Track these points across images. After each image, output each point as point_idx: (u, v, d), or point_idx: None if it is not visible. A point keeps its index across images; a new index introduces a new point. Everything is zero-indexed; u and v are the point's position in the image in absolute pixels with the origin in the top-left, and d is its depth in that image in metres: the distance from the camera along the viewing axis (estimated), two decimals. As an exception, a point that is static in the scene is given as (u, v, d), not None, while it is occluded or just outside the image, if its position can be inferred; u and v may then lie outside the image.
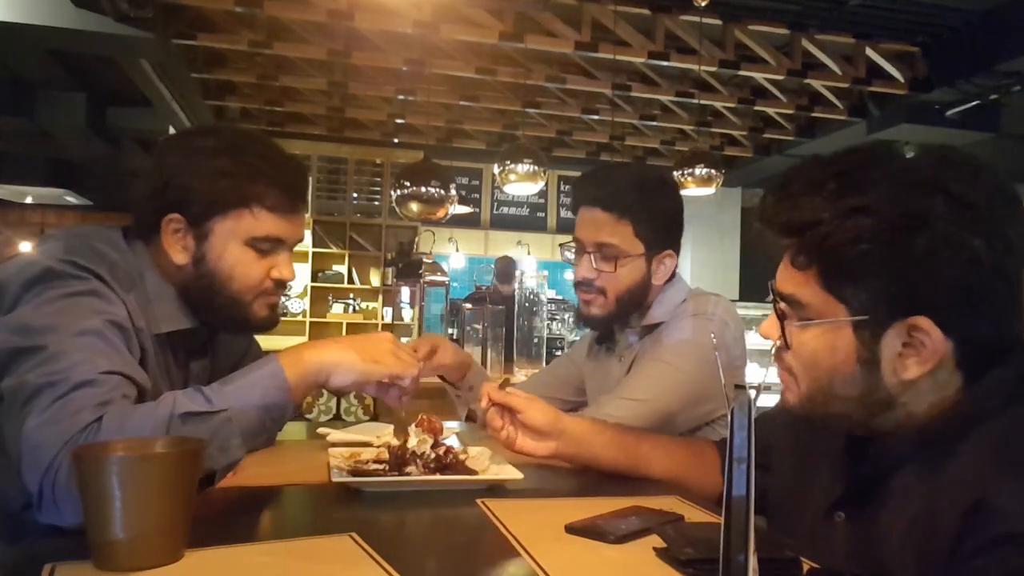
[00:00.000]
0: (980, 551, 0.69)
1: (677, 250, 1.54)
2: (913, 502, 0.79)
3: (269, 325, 1.20)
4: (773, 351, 0.90)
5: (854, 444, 0.90)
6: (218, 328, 1.21)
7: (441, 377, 1.60)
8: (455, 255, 7.72)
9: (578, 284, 1.54)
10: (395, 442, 1.18)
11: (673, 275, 1.56)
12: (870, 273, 0.77)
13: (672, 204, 1.54)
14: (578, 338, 1.74)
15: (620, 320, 1.55)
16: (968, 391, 0.80)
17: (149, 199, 1.13)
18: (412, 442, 1.16)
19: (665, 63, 4.84)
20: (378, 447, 1.23)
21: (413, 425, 1.18)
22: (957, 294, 0.76)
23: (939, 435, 0.80)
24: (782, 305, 0.86)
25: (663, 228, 1.51)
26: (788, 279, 0.84)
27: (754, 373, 4.19)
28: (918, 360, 0.78)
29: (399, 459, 1.15)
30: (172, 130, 6.48)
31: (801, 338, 0.84)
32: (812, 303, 0.82)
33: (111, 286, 1.02)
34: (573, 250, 1.55)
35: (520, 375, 4.31)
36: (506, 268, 5.81)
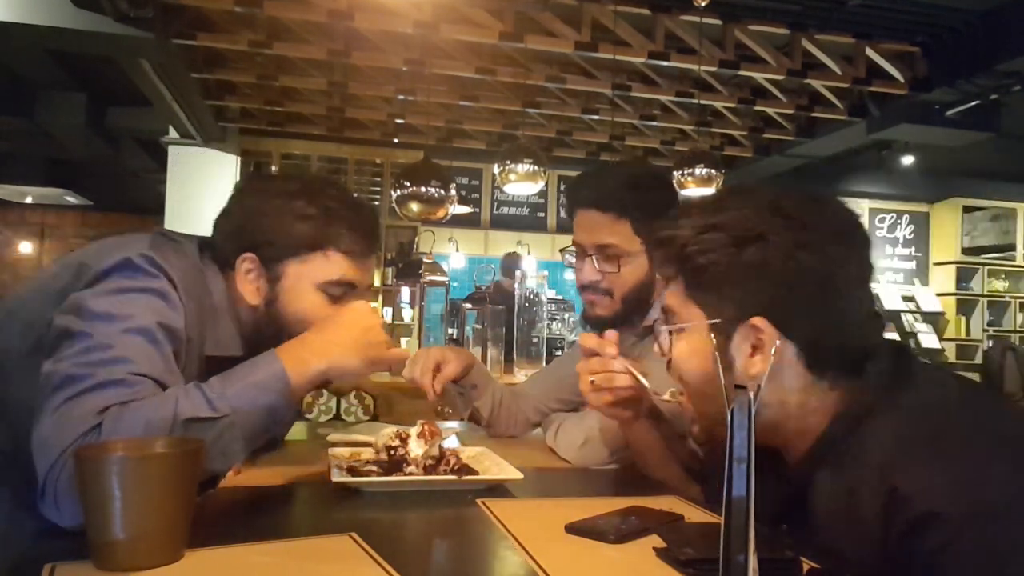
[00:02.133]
0: (903, 536, 0.76)
1: None
2: (837, 506, 0.86)
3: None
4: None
5: (775, 459, 0.95)
6: None
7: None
8: (455, 255, 7.72)
9: (583, 287, 1.53)
10: (392, 443, 1.18)
11: None
12: (718, 280, 0.90)
13: (668, 197, 1.54)
14: (578, 338, 1.73)
15: (625, 320, 1.54)
16: (842, 398, 0.89)
17: (227, 237, 1.14)
18: (414, 450, 1.16)
19: (665, 63, 4.84)
20: (377, 450, 1.23)
21: (415, 435, 1.18)
22: (789, 301, 0.87)
23: (832, 442, 0.88)
24: (661, 318, 0.99)
25: (654, 219, 1.51)
26: (666, 294, 0.98)
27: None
28: (761, 357, 0.88)
29: (396, 463, 1.15)
30: (172, 130, 6.48)
31: (677, 347, 0.96)
32: (680, 312, 0.95)
33: (178, 290, 1.02)
34: (573, 254, 1.54)
35: (520, 375, 4.31)
36: (511, 264, 5.82)
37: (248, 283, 1.13)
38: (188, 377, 1.08)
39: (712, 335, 0.90)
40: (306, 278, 1.12)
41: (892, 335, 7.05)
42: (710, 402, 0.92)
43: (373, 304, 7.59)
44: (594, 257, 1.49)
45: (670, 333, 0.97)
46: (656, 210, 1.49)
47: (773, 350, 0.86)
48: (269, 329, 1.13)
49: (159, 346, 0.97)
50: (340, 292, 1.14)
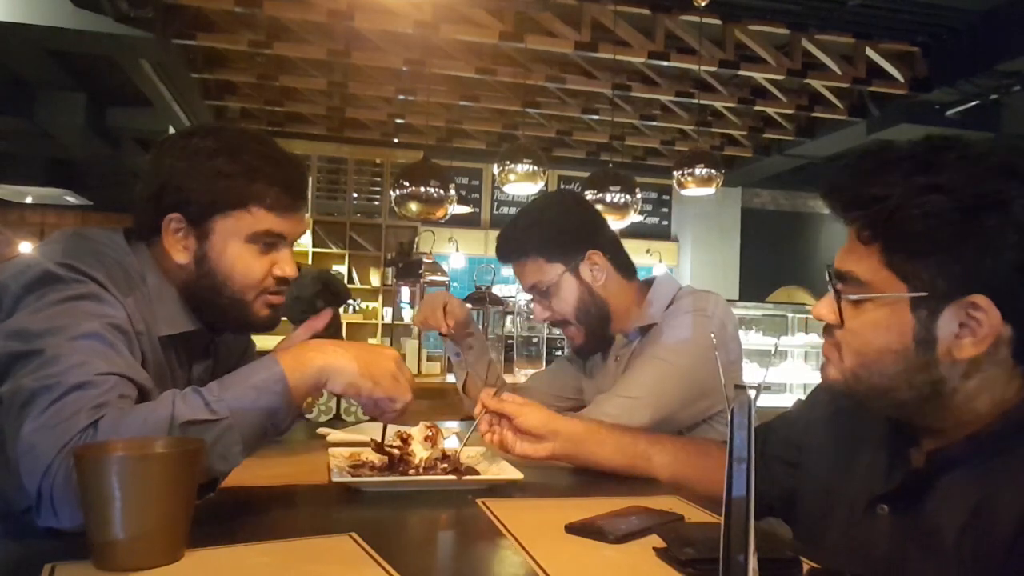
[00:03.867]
0: None
1: (602, 246, 1.55)
2: (969, 500, 0.79)
3: (270, 325, 1.19)
4: (823, 328, 0.90)
5: (903, 437, 0.90)
6: (220, 329, 1.21)
7: (442, 334, 1.70)
8: (455, 255, 7.71)
9: (553, 326, 1.65)
10: (393, 443, 1.18)
11: (630, 269, 1.61)
12: (935, 250, 0.78)
13: (562, 214, 1.59)
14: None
15: (602, 339, 1.60)
16: None
17: (148, 200, 1.13)
18: (419, 453, 1.16)
19: (665, 63, 4.84)
20: (376, 449, 1.23)
21: (420, 438, 1.18)
22: (1019, 278, 0.76)
23: (1000, 436, 0.80)
24: (839, 285, 0.86)
25: (567, 240, 1.55)
26: (848, 256, 0.85)
27: (754, 373, 4.19)
28: (973, 340, 0.78)
29: (398, 461, 1.15)
30: (172, 130, 6.48)
31: (856, 314, 0.84)
32: (872, 280, 0.82)
33: (109, 290, 1.01)
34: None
35: (520, 375, 4.31)
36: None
37: (176, 242, 1.11)
38: (155, 365, 1.08)
39: (914, 312, 0.80)
40: (233, 233, 1.11)
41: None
42: (888, 376, 0.83)
43: (370, 304, 7.58)
44: (536, 298, 1.59)
45: (852, 301, 0.84)
46: (556, 231, 1.56)
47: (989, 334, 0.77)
48: (201, 285, 1.12)
49: (112, 345, 0.96)
50: (270, 242, 1.14)
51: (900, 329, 0.81)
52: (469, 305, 1.76)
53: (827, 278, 0.88)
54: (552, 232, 1.55)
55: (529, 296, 1.66)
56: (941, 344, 0.80)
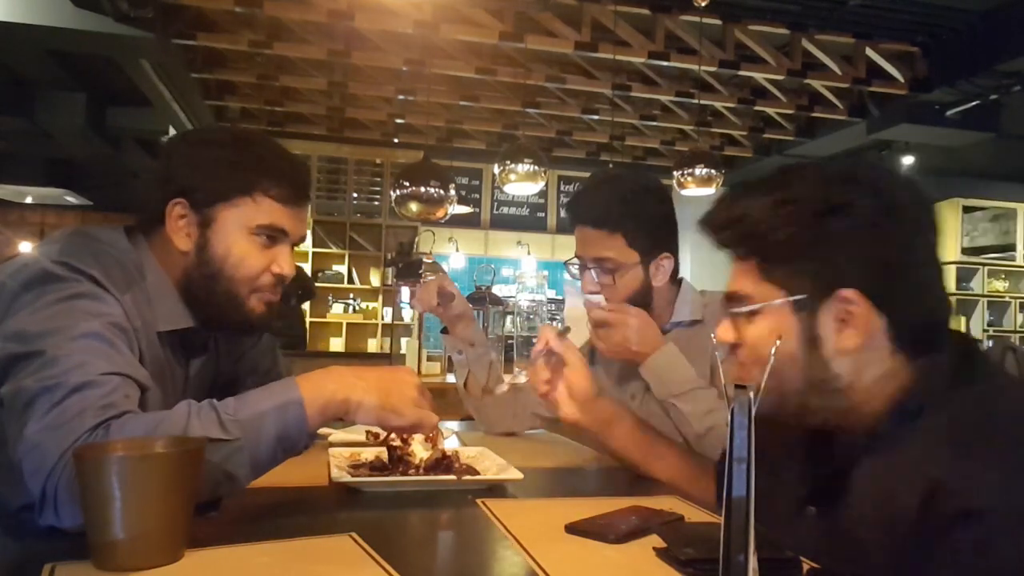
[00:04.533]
0: (940, 531, 0.74)
1: (674, 251, 1.58)
2: (874, 490, 0.84)
3: (263, 325, 1.19)
4: (724, 357, 0.97)
5: (817, 440, 0.94)
6: (213, 326, 1.20)
7: (443, 330, 1.71)
8: (455, 255, 7.72)
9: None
10: (393, 443, 1.18)
11: (677, 274, 1.61)
12: (799, 255, 0.86)
13: (659, 208, 1.58)
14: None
15: None
16: (912, 379, 0.86)
17: (155, 188, 1.14)
18: (419, 453, 1.16)
19: (665, 63, 4.84)
20: (376, 444, 1.23)
21: (421, 438, 1.18)
22: (880, 272, 0.84)
23: (891, 424, 0.86)
24: (730, 305, 0.93)
25: (654, 233, 1.55)
26: (733, 277, 0.93)
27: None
28: (854, 331, 0.85)
29: (398, 461, 1.16)
30: (172, 130, 6.48)
31: (749, 329, 0.91)
32: (754, 293, 0.90)
33: (106, 288, 1.01)
34: (576, 266, 1.61)
35: (520, 375, 4.31)
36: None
37: (179, 228, 1.12)
38: (152, 362, 1.08)
39: (796, 314, 0.86)
40: (237, 222, 1.11)
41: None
42: (787, 385, 0.88)
43: (370, 304, 7.58)
44: (593, 270, 1.55)
45: (743, 316, 0.92)
46: (650, 222, 1.54)
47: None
48: (200, 274, 1.12)
49: (112, 344, 0.96)
50: (272, 236, 1.14)
51: (787, 333, 0.87)
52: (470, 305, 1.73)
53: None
54: (645, 220, 1.54)
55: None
56: (826, 341, 0.86)
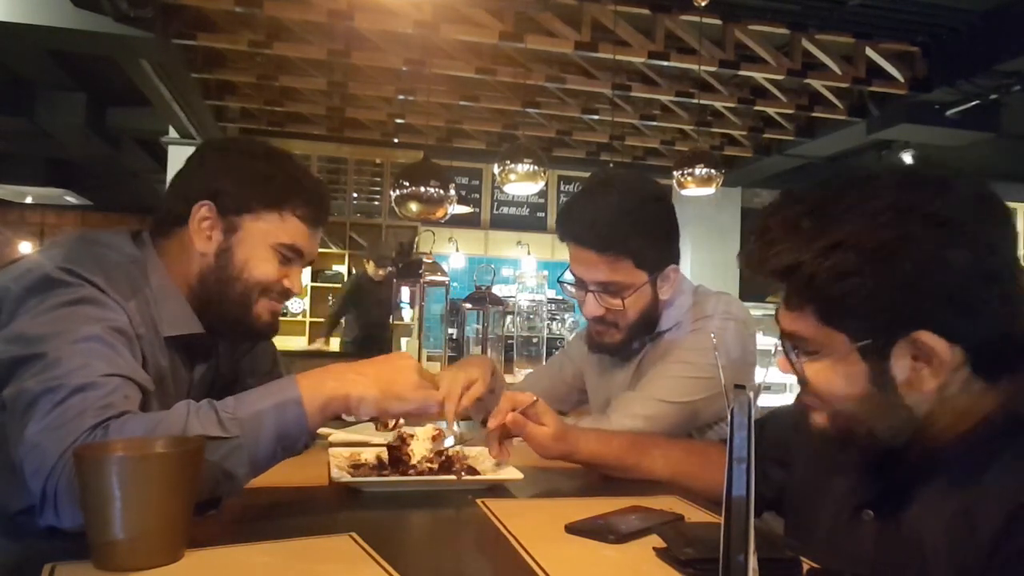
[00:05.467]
0: (1021, 555, 0.72)
1: (678, 260, 1.50)
2: (950, 506, 0.80)
3: (268, 332, 1.21)
4: (797, 379, 0.92)
5: (884, 448, 0.89)
6: (218, 331, 1.21)
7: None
8: (455, 255, 7.72)
9: (591, 320, 1.50)
10: (393, 443, 1.18)
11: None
12: (862, 302, 0.79)
13: (664, 218, 1.48)
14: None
15: (632, 343, 1.52)
16: (999, 399, 0.82)
17: (183, 190, 1.15)
18: (419, 452, 1.16)
19: (665, 63, 4.84)
20: (377, 445, 1.23)
21: (426, 437, 1.18)
22: (950, 305, 0.78)
23: (978, 443, 0.81)
24: (786, 341, 0.88)
25: (661, 247, 1.46)
26: (786, 317, 0.87)
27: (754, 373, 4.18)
28: (931, 371, 0.80)
29: (398, 461, 1.15)
30: (172, 130, 6.48)
31: (813, 370, 0.86)
32: (814, 337, 0.84)
33: (109, 294, 1.01)
34: (572, 284, 1.49)
35: (520, 375, 4.31)
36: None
37: (202, 230, 1.13)
38: (157, 367, 1.08)
39: (865, 359, 0.82)
40: (260, 235, 1.14)
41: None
42: (861, 421, 0.85)
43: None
44: (595, 293, 1.44)
45: (803, 355, 0.87)
46: (658, 238, 1.44)
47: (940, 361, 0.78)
48: (215, 278, 1.14)
49: (113, 348, 0.97)
50: (290, 256, 1.17)
51: (856, 378, 0.83)
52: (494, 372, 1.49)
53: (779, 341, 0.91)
54: (652, 238, 1.42)
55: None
56: (901, 382, 0.82)
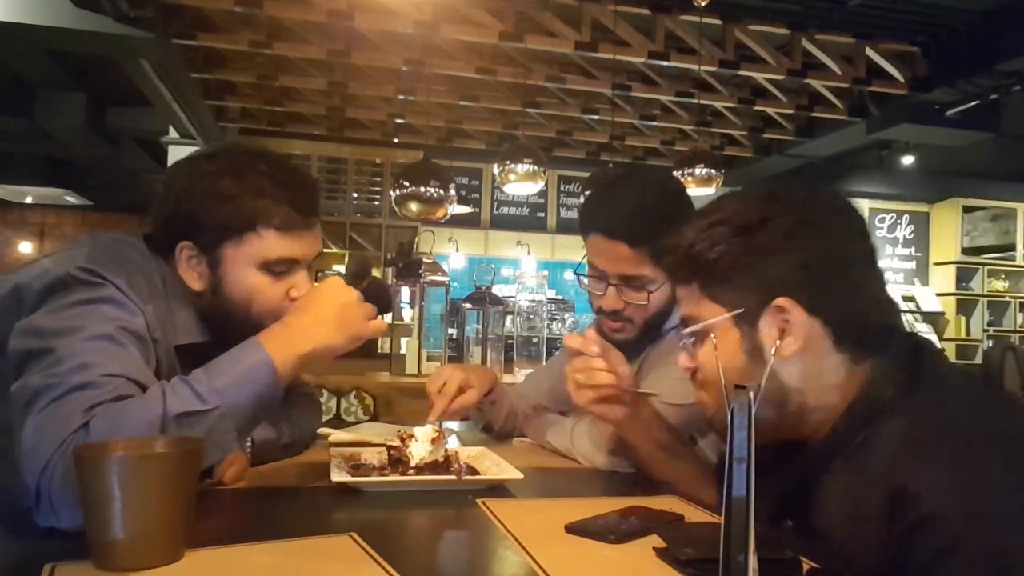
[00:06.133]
0: (903, 535, 0.77)
1: None
2: (842, 500, 0.87)
3: None
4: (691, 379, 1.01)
5: (784, 453, 0.94)
6: (236, 344, 1.20)
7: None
8: (455, 255, 7.71)
9: (601, 311, 1.48)
10: (396, 442, 1.18)
11: None
12: (732, 272, 0.91)
13: (688, 215, 1.49)
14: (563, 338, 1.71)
15: (642, 341, 1.50)
16: (863, 383, 0.89)
17: (162, 225, 1.12)
18: (417, 452, 1.16)
19: (665, 63, 4.84)
20: (377, 445, 1.23)
21: (427, 439, 1.18)
22: (806, 278, 0.88)
23: (848, 430, 0.89)
24: (685, 331, 0.98)
25: None
26: (682, 302, 0.99)
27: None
28: (792, 338, 0.89)
29: (398, 461, 1.15)
30: (172, 130, 6.48)
31: (703, 354, 0.96)
32: (699, 313, 0.95)
33: (129, 296, 1.02)
34: (593, 280, 1.47)
35: (520, 375, 4.31)
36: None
37: (190, 270, 1.11)
38: (168, 374, 1.08)
39: (738, 327, 0.91)
40: (244, 260, 1.09)
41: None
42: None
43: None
44: (618, 287, 1.43)
45: (693, 338, 0.97)
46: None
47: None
48: (218, 313, 1.12)
49: (124, 347, 0.97)
50: (283, 269, 1.12)
51: (732, 347, 0.92)
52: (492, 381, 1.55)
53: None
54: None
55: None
56: (769, 350, 0.89)
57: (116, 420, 0.89)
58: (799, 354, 0.89)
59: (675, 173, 4.58)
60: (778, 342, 0.88)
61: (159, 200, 1.13)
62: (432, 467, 1.15)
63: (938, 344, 7.98)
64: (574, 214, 7.88)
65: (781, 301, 0.88)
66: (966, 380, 0.94)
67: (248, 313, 1.11)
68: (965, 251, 8.38)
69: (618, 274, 1.43)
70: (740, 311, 0.91)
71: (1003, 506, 0.75)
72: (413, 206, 4.19)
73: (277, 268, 1.11)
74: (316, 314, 1.05)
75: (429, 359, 4.67)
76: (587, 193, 1.48)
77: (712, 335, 0.93)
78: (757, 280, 0.90)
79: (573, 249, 8.14)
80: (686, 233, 0.96)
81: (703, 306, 0.95)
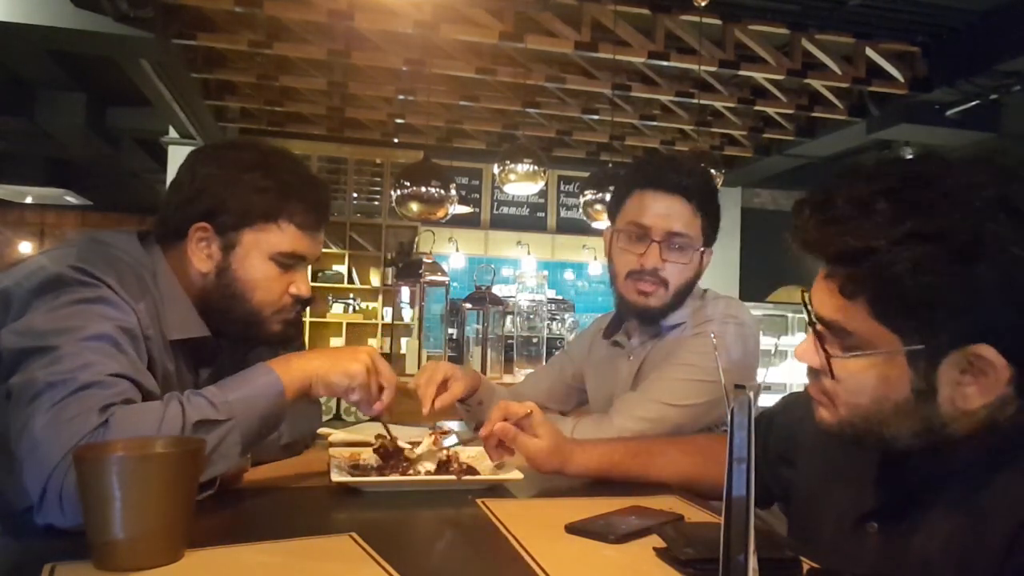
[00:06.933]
0: (1016, 571, 0.69)
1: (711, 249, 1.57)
2: (956, 518, 0.77)
3: (282, 340, 1.23)
4: (807, 369, 0.85)
5: (892, 456, 0.86)
6: (230, 338, 1.22)
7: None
8: (455, 255, 7.71)
9: (634, 273, 1.48)
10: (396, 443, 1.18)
11: None
12: (930, 302, 0.71)
13: (720, 204, 1.58)
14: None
15: (670, 312, 1.51)
16: (1016, 419, 0.76)
17: (179, 206, 1.15)
18: (423, 460, 1.16)
19: (665, 63, 4.83)
20: (375, 446, 1.23)
21: (429, 440, 1.18)
22: (1020, 321, 0.71)
23: (988, 455, 0.77)
24: (821, 328, 0.81)
25: (716, 223, 1.54)
26: (830, 304, 0.79)
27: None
28: (978, 389, 0.74)
29: (390, 457, 1.16)
30: (172, 130, 6.48)
31: (847, 367, 0.79)
32: (860, 331, 0.77)
33: (119, 294, 1.02)
34: (627, 235, 1.49)
35: (520, 375, 4.31)
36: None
37: (200, 251, 1.14)
38: (163, 369, 1.09)
39: (910, 363, 0.75)
40: (259, 247, 1.15)
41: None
42: (879, 425, 0.80)
43: (370, 304, 7.59)
44: (661, 244, 1.46)
45: (839, 348, 0.80)
46: (718, 212, 1.53)
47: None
48: (219, 295, 1.16)
49: (122, 348, 0.98)
50: (291, 263, 1.18)
51: (897, 382, 0.76)
52: (474, 378, 1.56)
53: (807, 319, 0.82)
54: (717, 208, 1.53)
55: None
56: (943, 394, 0.75)
57: (135, 423, 0.89)
58: (979, 408, 0.74)
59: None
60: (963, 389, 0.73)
61: (176, 183, 1.17)
62: (432, 467, 1.15)
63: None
64: (574, 214, 7.87)
65: (983, 349, 0.71)
66: None
67: (249, 299, 1.16)
68: (965, 251, 8.36)
69: (667, 230, 1.46)
70: (920, 347, 0.73)
71: None
72: (414, 206, 4.19)
73: (286, 261, 1.17)
74: (322, 350, 1.13)
75: (429, 359, 4.67)
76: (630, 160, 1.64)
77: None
78: (961, 317, 0.71)
79: (573, 249, 8.14)
80: (874, 238, 0.72)
81: (867, 323, 0.76)
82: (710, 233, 1.52)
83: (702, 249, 1.50)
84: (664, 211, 1.47)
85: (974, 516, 0.75)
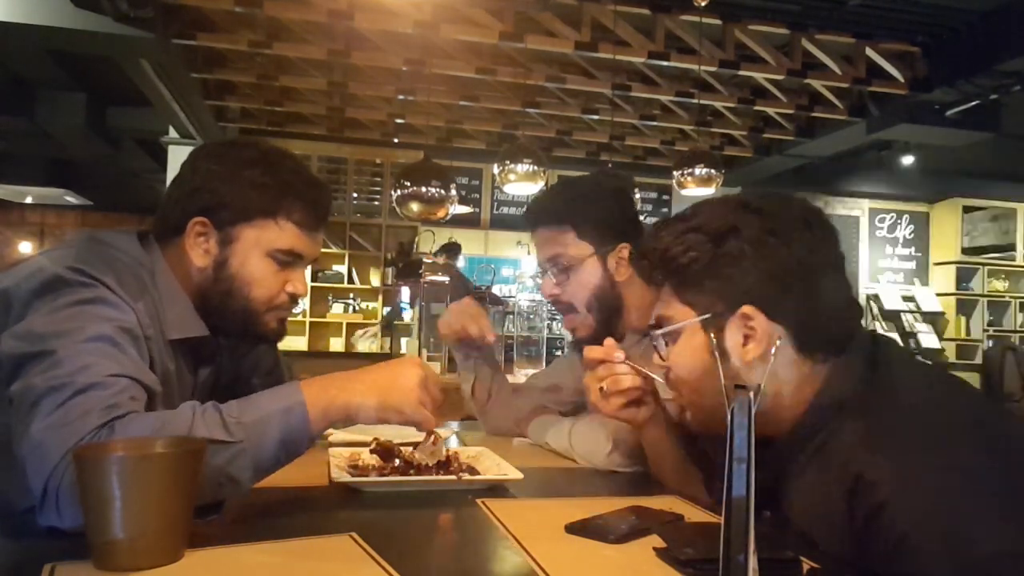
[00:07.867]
0: (864, 523, 0.80)
1: (633, 240, 1.52)
2: (809, 492, 0.91)
3: (275, 338, 1.22)
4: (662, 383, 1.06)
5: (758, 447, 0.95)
6: (225, 335, 1.22)
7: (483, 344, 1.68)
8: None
9: (554, 307, 1.58)
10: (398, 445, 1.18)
11: None
12: (703, 277, 0.95)
13: (610, 201, 1.57)
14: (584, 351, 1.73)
15: (614, 329, 1.51)
16: (824, 382, 0.93)
17: (179, 200, 1.15)
18: (423, 459, 1.16)
19: (665, 63, 4.84)
20: (371, 447, 1.23)
21: (429, 443, 1.18)
22: (771, 286, 0.92)
23: (811, 431, 0.92)
24: (658, 333, 1.02)
25: (606, 224, 1.53)
26: (658, 304, 1.03)
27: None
28: (755, 344, 0.93)
29: (387, 456, 1.16)
30: (172, 130, 6.48)
31: (673, 354, 1.01)
32: (672, 315, 1.00)
33: (119, 294, 1.02)
34: (541, 275, 1.60)
35: (520, 375, 4.31)
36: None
37: (197, 246, 1.14)
38: (163, 369, 1.09)
39: (706, 331, 0.95)
40: (257, 244, 1.14)
41: (892, 335, 7.06)
42: (708, 398, 0.96)
43: (370, 304, 7.58)
44: (550, 271, 1.54)
45: (665, 338, 1.02)
46: (600, 212, 1.53)
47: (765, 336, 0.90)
48: (216, 291, 1.15)
49: (121, 348, 0.97)
50: (289, 260, 1.17)
51: (701, 349, 0.96)
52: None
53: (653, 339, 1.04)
54: (594, 211, 1.54)
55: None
56: (733, 353, 0.93)
57: (141, 430, 0.88)
58: (761, 359, 0.92)
59: (675, 173, 4.58)
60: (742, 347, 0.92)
61: (177, 179, 1.17)
62: (432, 467, 1.15)
63: (938, 344, 7.98)
64: (574, 214, 7.86)
65: (746, 309, 0.92)
66: (922, 372, 0.98)
67: (245, 296, 1.14)
68: (965, 251, 8.38)
69: (545, 259, 1.55)
70: (708, 316, 0.95)
71: (955, 489, 0.77)
72: (414, 206, 4.18)
73: (284, 259, 1.16)
74: (364, 373, 1.03)
75: (429, 359, 4.67)
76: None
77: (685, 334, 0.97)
78: (726, 287, 0.94)
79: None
80: (662, 237, 1.00)
81: (674, 307, 0.99)
82: (597, 234, 1.52)
83: (594, 253, 1.51)
84: (538, 243, 1.58)
85: (820, 485, 0.88)
